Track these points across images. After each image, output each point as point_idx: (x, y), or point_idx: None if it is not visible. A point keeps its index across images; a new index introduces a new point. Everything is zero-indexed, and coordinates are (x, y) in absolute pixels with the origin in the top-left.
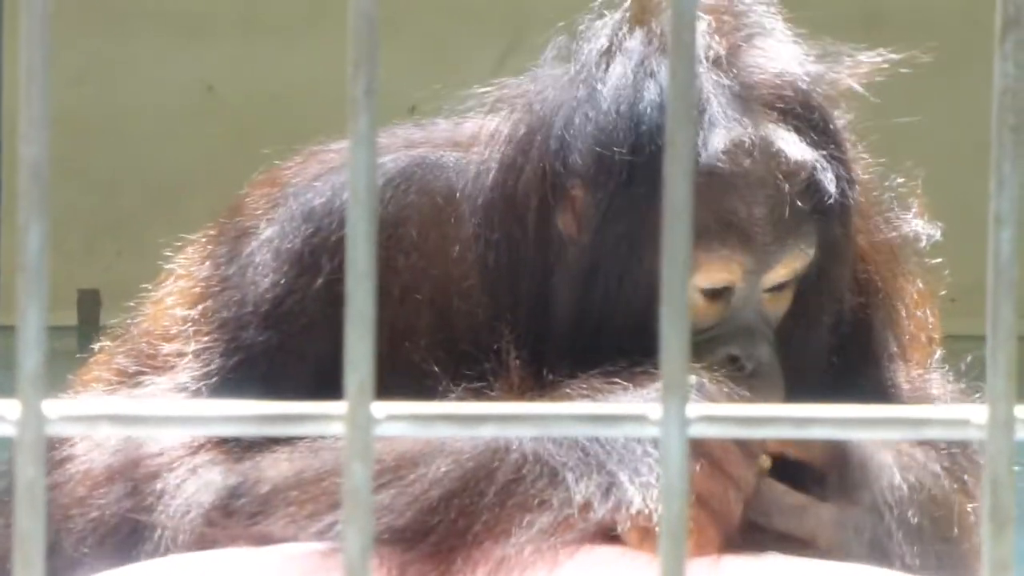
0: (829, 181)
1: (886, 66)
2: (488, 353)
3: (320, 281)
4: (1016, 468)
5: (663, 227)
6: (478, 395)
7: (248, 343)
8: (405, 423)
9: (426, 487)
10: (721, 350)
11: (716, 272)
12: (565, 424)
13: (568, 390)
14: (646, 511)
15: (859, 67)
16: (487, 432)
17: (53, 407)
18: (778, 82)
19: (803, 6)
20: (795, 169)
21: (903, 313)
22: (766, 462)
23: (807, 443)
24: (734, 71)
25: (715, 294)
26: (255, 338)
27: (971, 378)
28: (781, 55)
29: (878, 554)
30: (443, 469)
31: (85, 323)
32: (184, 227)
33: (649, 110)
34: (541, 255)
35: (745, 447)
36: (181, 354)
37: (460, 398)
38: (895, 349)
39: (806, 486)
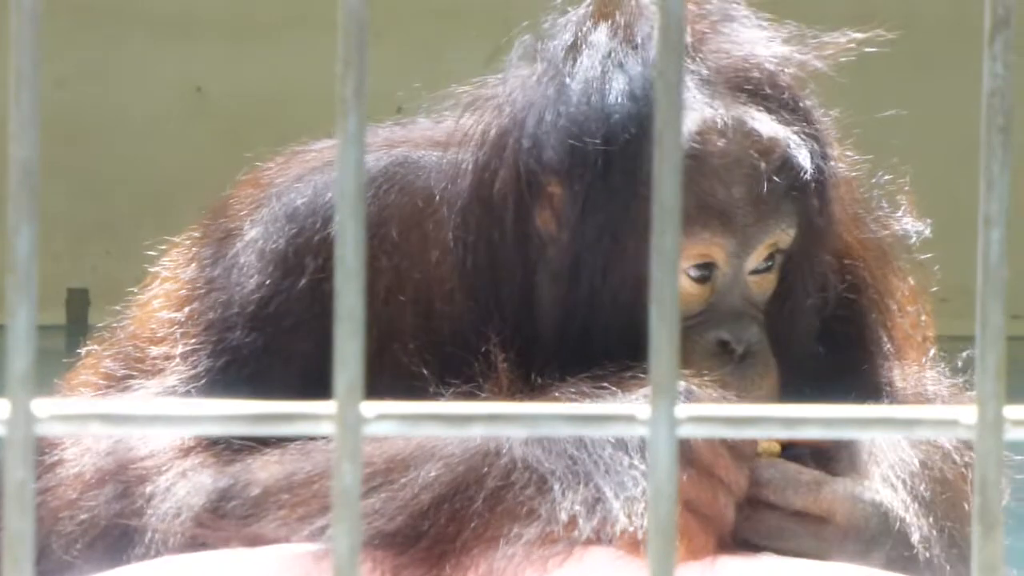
0: (804, 157)
1: (852, 46)
2: (475, 355)
3: (304, 281)
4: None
5: (652, 227)
6: (467, 397)
7: (235, 344)
8: (394, 422)
9: (416, 491)
10: (710, 335)
11: (699, 255)
12: (553, 424)
13: (556, 393)
14: (631, 529)
15: (825, 48)
16: (476, 431)
17: (42, 406)
18: (745, 65)
19: (791, 7)
20: (769, 146)
21: (895, 311)
22: (775, 446)
23: None
24: (701, 57)
25: (700, 278)
26: (242, 339)
27: (968, 376)
28: (747, 39)
29: (895, 528)
30: (433, 473)
31: (74, 322)
32: (173, 228)
33: (620, 100)
34: (521, 256)
35: (735, 450)
36: (168, 357)
37: (449, 400)
38: (888, 347)
39: (816, 467)
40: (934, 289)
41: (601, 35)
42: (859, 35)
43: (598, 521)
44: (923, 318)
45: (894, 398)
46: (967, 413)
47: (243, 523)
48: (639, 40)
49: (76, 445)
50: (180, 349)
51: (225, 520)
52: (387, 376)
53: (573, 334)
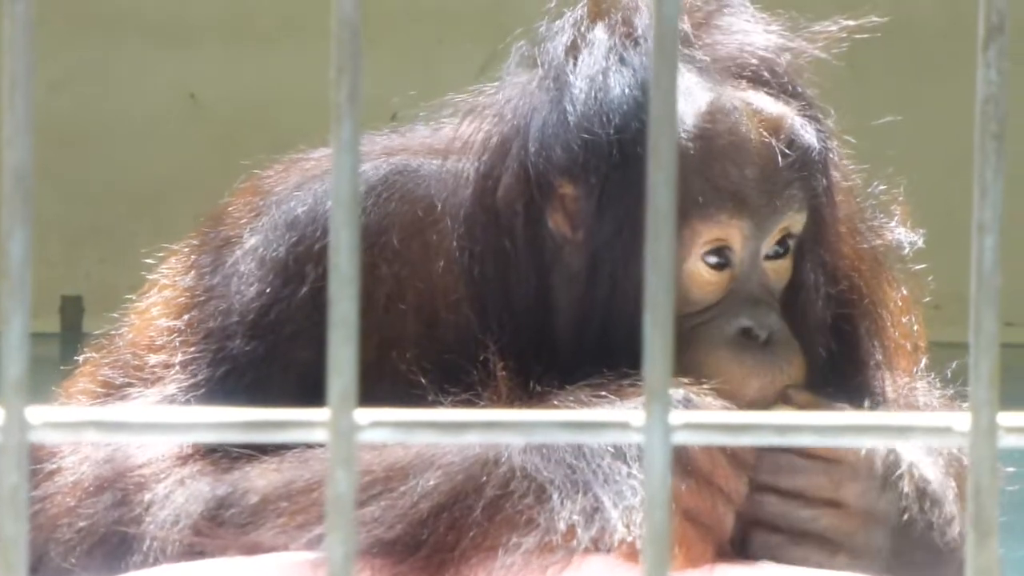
0: (810, 135)
1: (844, 35)
2: (475, 363)
3: (305, 289)
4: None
5: (647, 233)
6: (466, 405)
7: (235, 353)
8: (388, 430)
9: (416, 500)
10: (733, 323)
11: (716, 239)
12: (548, 431)
13: (555, 401)
14: (629, 538)
15: (818, 37)
16: (470, 439)
17: (36, 413)
18: (743, 53)
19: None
20: (777, 125)
21: (888, 320)
22: None
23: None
24: (700, 47)
25: (718, 264)
26: (242, 348)
27: (958, 385)
28: (742, 29)
29: (907, 469)
30: (432, 482)
31: (68, 330)
32: (167, 234)
33: (626, 92)
34: (535, 261)
35: (734, 458)
36: (168, 365)
37: (447, 408)
38: (880, 357)
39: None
40: (927, 299)
41: (599, 33)
42: (850, 23)
43: (596, 530)
44: (915, 328)
45: (885, 407)
46: (961, 420)
47: (241, 531)
48: (638, 33)
49: (75, 453)
50: (179, 357)
51: (223, 528)
52: (387, 384)
53: (592, 335)
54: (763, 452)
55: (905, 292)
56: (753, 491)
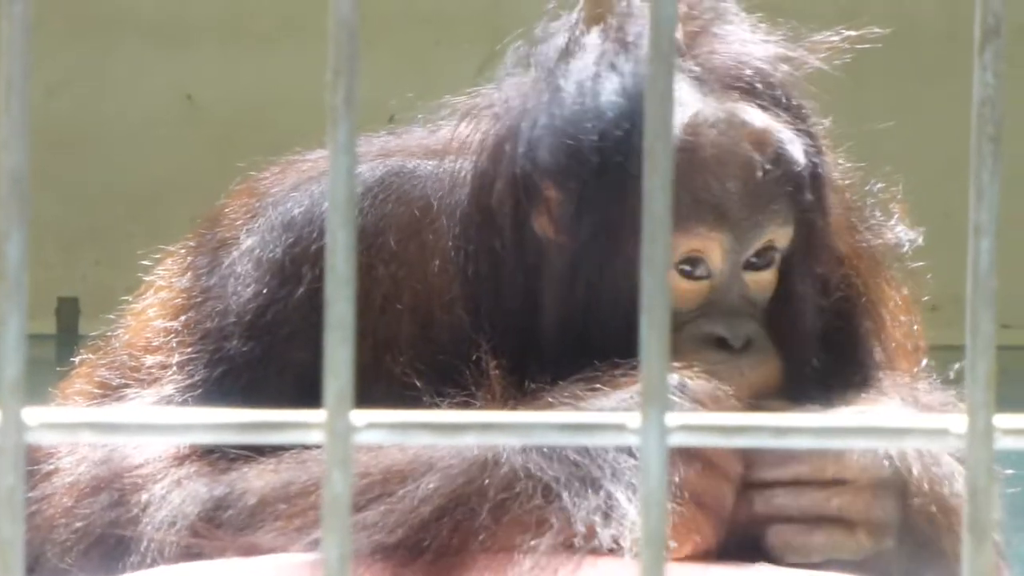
0: (797, 150)
1: (846, 45)
2: (469, 363)
3: (302, 290)
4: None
5: (643, 236)
6: (460, 406)
7: (231, 354)
8: (385, 431)
9: (416, 504)
10: (707, 331)
11: (692, 250)
12: (545, 433)
13: (549, 398)
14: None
15: (818, 47)
16: (467, 440)
17: (33, 414)
18: (737, 63)
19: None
20: (762, 139)
21: (888, 320)
22: None
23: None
24: (694, 57)
25: (692, 275)
26: (238, 348)
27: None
28: (739, 39)
29: (910, 481)
30: (432, 485)
31: (64, 331)
32: (163, 236)
33: (612, 98)
34: (521, 262)
35: None
36: (164, 366)
37: (442, 409)
38: (880, 357)
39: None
40: (925, 298)
41: (593, 38)
42: (851, 33)
43: (615, 527)
44: (915, 328)
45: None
46: (957, 422)
47: (239, 533)
48: (631, 39)
49: (71, 454)
50: (176, 358)
51: (220, 529)
52: (382, 385)
53: (573, 337)
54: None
55: (905, 292)
56: (758, 489)
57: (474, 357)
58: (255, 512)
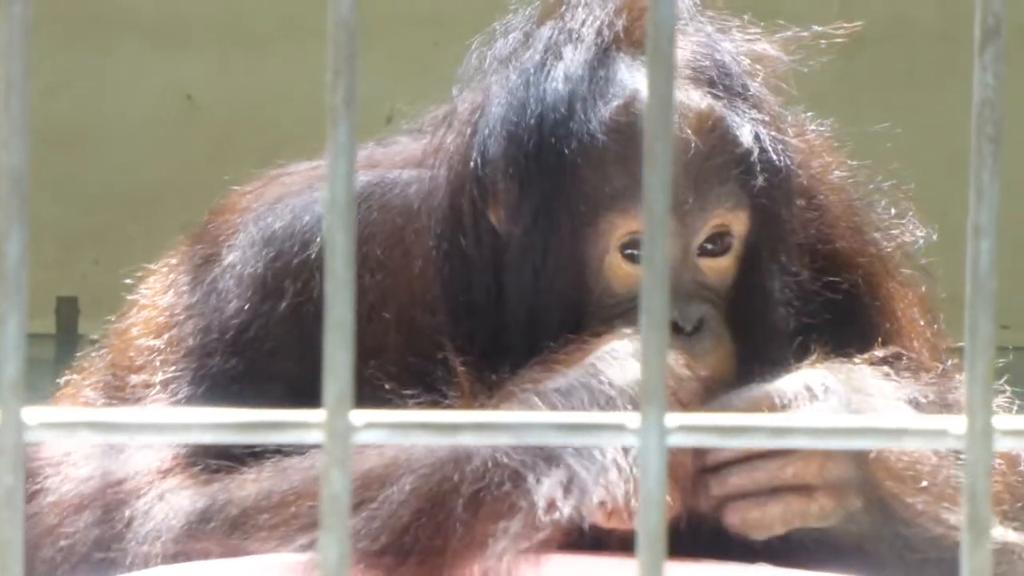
0: (743, 134)
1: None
2: (441, 363)
3: (284, 304)
4: None
5: (643, 237)
6: (428, 405)
7: (215, 370)
8: (383, 431)
9: (395, 508)
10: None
11: (636, 232)
12: (543, 433)
13: (511, 387)
14: (608, 501)
15: (784, 42)
16: (465, 440)
17: (33, 414)
18: (695, 52)
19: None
20: (703, 121)
21: (903, 320)
22: None
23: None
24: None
25: (637, 257)
26: (222, 365)
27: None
28: (706, 32)
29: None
30: (408, 487)
31: (63, 331)
32: (163, 236)
33: (553, 84)
34: (482, 256)
35: (678, 399)
36: (148, 385)
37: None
38: (897, 355)
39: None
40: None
41: (544, 30)
42: (818, 27)
43: (575, 498)
44: (936, 326)
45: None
46: (956, 423)
47: (223, 543)
48: (578, 28)
49: (57, 474)
50: (160, 376)
51: (205, 541)
52: (366, 392)
53: (532, 324)
54: None
55: (921, 289)
56: (712, 472)
57: (441, 356)
58: (238, 523)
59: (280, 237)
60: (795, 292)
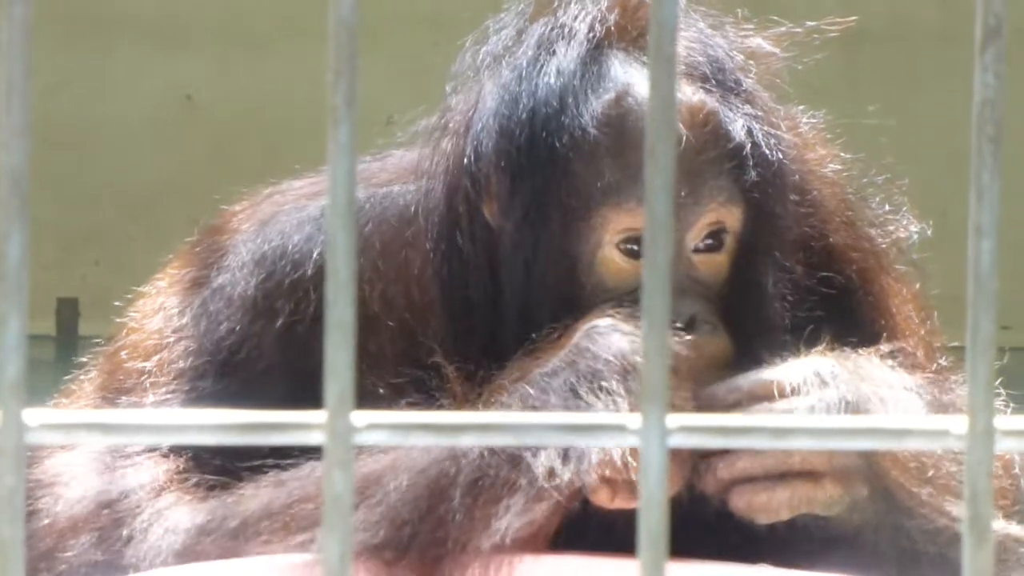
0: (736, 129)
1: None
2: (435, 369)
3: (277, 324)
4: None
5: (645, 237)
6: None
7: (207, 392)
8: (385, 432)
9: (395, 501)
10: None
11: (629, 228)
12: (544, 433)
13: (502, 381)
14: (607, 461)
15: (778, 37)
16: (467, 441)
17: (33, 415)
18: (687, 48)
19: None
20: (695, 115)
21: (897, 316)
22: None
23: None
24: (644, 44)
25: (634, 252)
26: (212, 387)
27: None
28: (699, 28)
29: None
30: (406, 481)
31: (64, 332)
32: (163, 236)
33: (545, 79)
34: (478, 252)
35: (675, 372)
36: (136, 406)
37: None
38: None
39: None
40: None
41: (536, 27)
42: (811, 22)
43: (574, 464)
44: (930, 323)
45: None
46: (957, 423)
47: (222, 556)
48: (570, 24)
49: (50, 494)
50: (150, 399)
51: (204, 556)
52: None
53: (524, 320)
54: (713, 411)
55: (915, 286)
56: (719, 455)
57: (433, 361)
58: (238, 534)
59: (271, 258)
60: (790, 287)
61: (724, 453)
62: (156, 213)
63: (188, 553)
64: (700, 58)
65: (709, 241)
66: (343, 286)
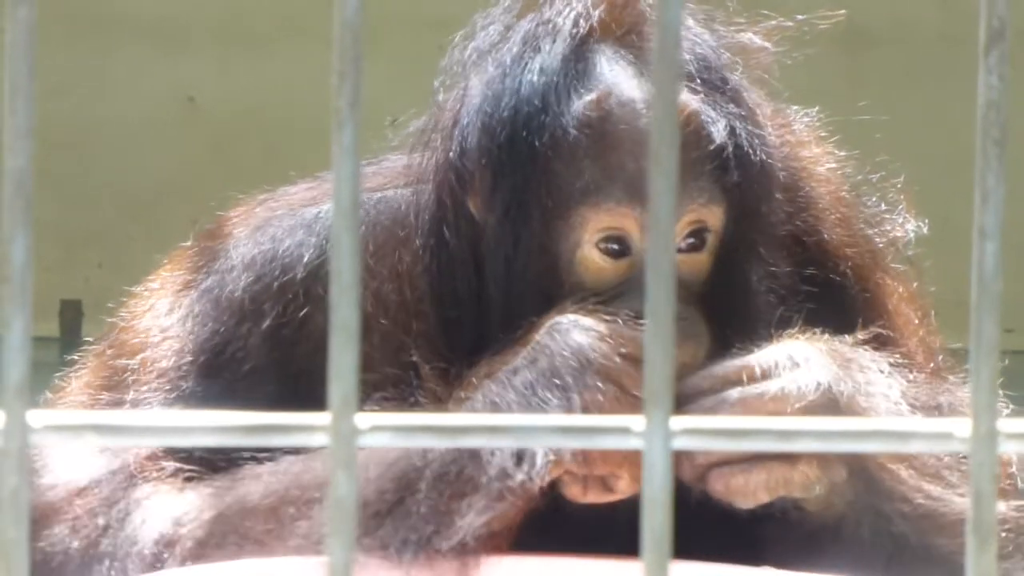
0: (718, 129)
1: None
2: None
3: (263, 326)
4: None
5: (648, 239)
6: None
7: (187, 392)
8: (389, 434)
9: (363, 502)
10: (624, 307)
11: (608, 227)
12: (547, 436)
13: (472, 379)
14: (556, 462)
15: (767, 32)
16: (471, 443)
17: (37, 417)
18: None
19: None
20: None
21: (894, 314)
22: None
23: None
24: (631, 41)
25: (614, 252)
26: (194, 387)
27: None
28: (686, 25)
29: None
30: (374, 476)
31: (67, 334)
32: (165, 238)
33: (528, 76)
34: (465, 246)
35: (629, 355)
36: (120, 403)
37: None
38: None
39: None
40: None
41: (524, 23)
42: (801, 16)
43: (527, 465)
44: (927, 321)
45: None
46: (961, 426)
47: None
48: (556, 21)
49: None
50: (131, 395)
51: (179, 546)
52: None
53: (510, 314)
54: (688, 400)
55: (912, 285)
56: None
57: (412, 359)
58: (213, 529)
59: (260, 261)
60: (776, 286)
61: None
62: (158, 214)
63: (164, 542)
64: (686, 56)
65: (691, 240)
66: (347, 287)
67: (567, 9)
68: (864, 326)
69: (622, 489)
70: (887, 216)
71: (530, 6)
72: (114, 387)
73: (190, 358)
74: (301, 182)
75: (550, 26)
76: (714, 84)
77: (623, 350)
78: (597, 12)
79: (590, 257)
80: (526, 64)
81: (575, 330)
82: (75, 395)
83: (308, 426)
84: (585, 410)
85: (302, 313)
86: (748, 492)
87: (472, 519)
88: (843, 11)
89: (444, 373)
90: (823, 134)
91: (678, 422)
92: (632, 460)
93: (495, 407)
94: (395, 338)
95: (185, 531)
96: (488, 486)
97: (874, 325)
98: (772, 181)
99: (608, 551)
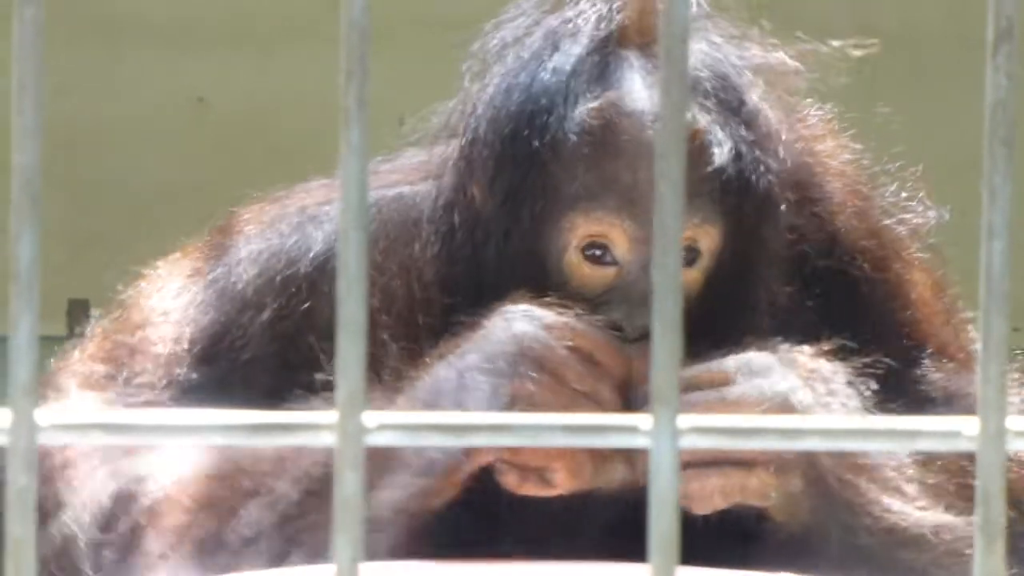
0: (722, 152)
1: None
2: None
3: (264, 317)
4: None
5: (654, 240)
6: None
7: (181, 380)
8: (396, 432)
9: (283, 489)
10: (604, 315)
11: (594, 235)
12: (553, 434)
13: (426, 361)
14: (476, 451)
15: (798, 55)
16: (478, 441)
17: (45, 415)
18: (694, 61)
19: (793, 21)
20: None
21: (921, 307)
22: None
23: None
24: (647, 51)
25: (599, 259)
26: (188, 375)
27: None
28: (712, 42)
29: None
30: (299, 467)
31: (75, 333)
32: (173, 238)
33: (542, 76)
34: (466, 232)
35: (586, 358)
36: (116, 377)
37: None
38: (924, 345)
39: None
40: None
41: (551, 19)
42: (836, 43)
43: (447, 451)
44: (955, 311)
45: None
46: (969, 424)
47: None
48: (581, 23)
49: None
50: (123, 375)
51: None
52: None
53: (500, 300)
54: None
55: (935, 273)
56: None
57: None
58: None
59: (266, 255)
60: (774, 307)
61: None
62: (168, 214)
63: (109, 522)
64: (705, 73)
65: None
66: (354, 283)
67: (591, 11)
68: (887, 318)
69: (559, 483)
70: (907, 205)
71: (562, 2)
72: (113, 361)
73: (189, 343)
74: (314, 179)
75: (573, 26)
76: (729, 105)
77: (568, 343)
78: (621, 17)
79: (575, 262)
80: (543, 62)
81: (520, 319)
82: (76, 365)
83: (315, 425)
84: (514, 398)
85: (305, 306)
86: (705, 497)
87: (390, 494)
88: (874, 40)
89: (413, 353)
90: (838, 129)
91: (685, 421)
92: (567, 455)
93: (435, 388)
94: (401, 333)
95: (133, 506)
96: (410, 462)
97: (897, 316)
98: (775, 208)
99: (574, 552)
